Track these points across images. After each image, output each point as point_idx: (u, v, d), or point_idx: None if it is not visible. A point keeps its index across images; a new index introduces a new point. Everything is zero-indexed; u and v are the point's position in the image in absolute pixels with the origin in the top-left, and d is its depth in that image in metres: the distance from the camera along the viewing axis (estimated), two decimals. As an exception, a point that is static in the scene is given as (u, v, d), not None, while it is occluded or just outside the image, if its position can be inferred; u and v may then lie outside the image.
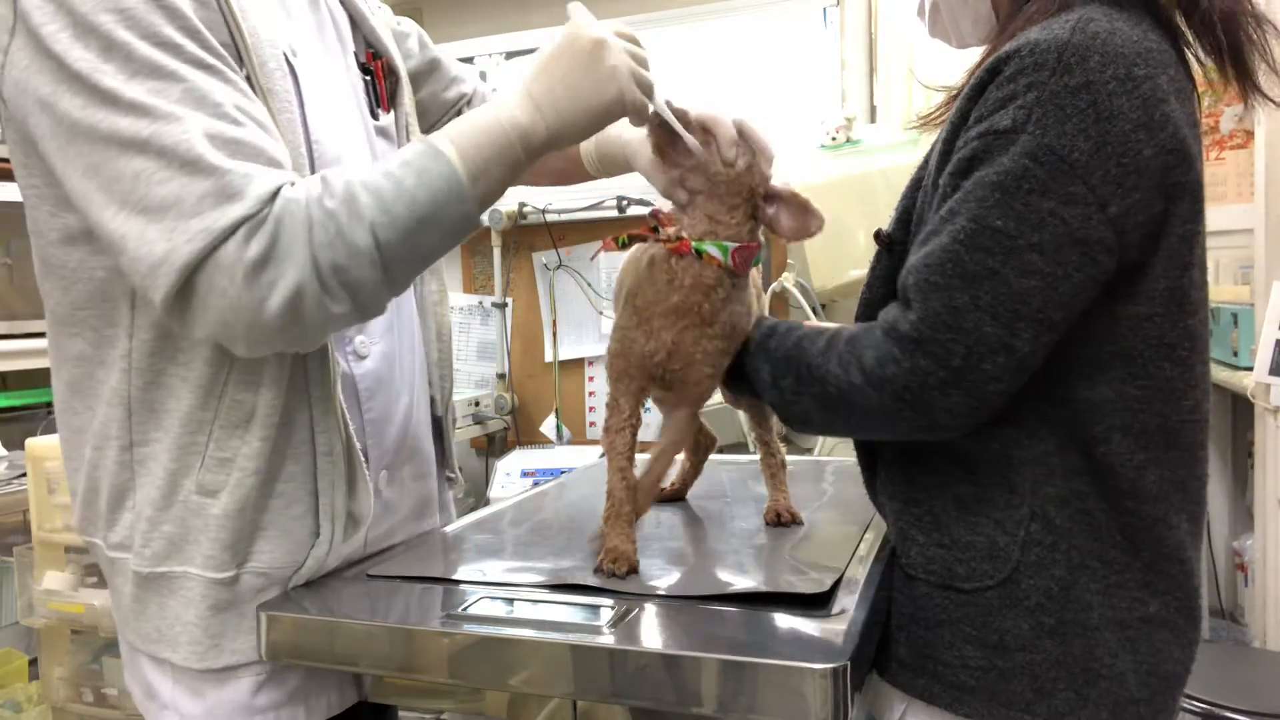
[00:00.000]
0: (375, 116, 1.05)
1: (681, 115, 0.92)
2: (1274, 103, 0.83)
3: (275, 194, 0.77)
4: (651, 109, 0.90)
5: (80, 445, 0.92)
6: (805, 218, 0.96)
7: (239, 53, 0.83)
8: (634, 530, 0.94)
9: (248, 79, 0.83)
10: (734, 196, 0.93)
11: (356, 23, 1.07)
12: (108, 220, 0.77)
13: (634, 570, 0.90)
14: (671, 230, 0.94)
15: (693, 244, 0.91)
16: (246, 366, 0.86)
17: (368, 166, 0.82)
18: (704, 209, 0.93)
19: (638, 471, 0.97)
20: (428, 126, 1.25)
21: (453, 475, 1.20)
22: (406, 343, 1.06)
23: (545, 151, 0.86)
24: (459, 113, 1.25)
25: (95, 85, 0.75)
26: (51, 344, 0.94)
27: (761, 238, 0.97)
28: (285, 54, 0.89)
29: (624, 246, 0.98)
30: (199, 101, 0.76)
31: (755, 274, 1.16)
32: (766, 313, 1.16)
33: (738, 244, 0.92)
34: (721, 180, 0.92)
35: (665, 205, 1.00)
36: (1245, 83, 0.82)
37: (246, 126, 0.79)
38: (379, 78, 1.07)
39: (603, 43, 0.85)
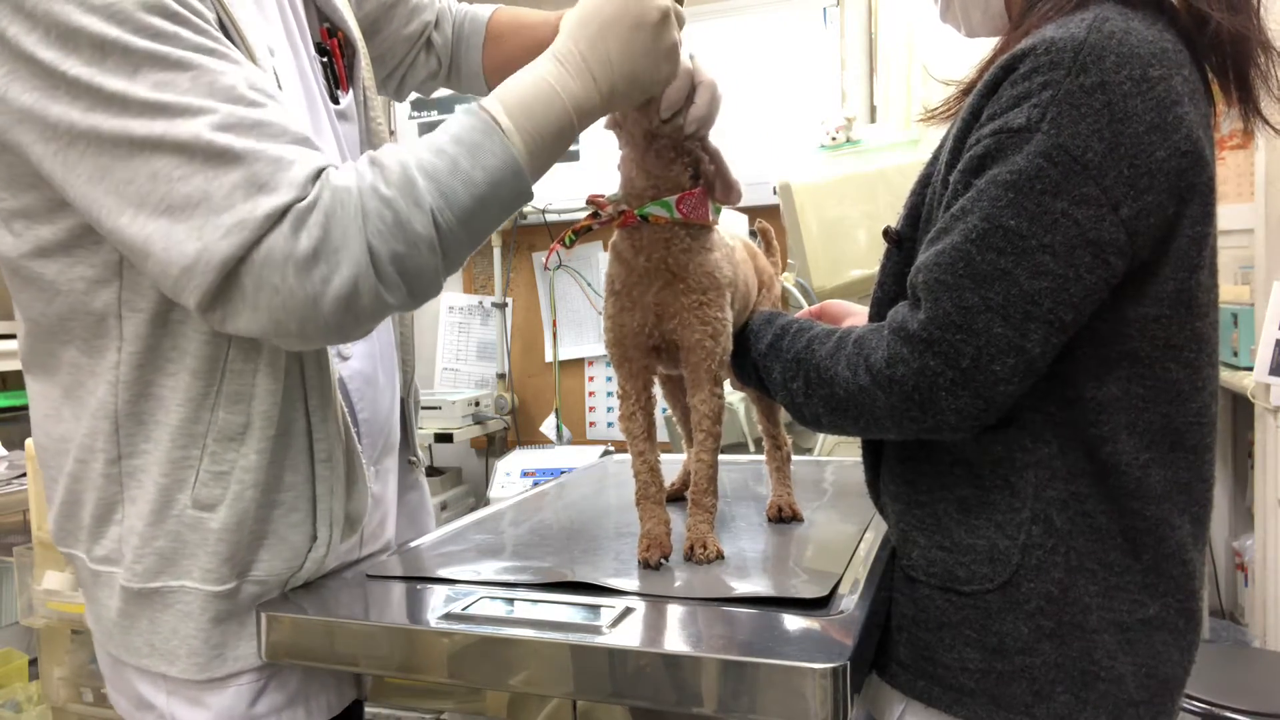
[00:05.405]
0: (336, 100, 1.00)
1: None
2: (1274, 129, 0.83)
3: (316, 178, 0.73)
4: None
5: (61, 455, 0.88)
6: (726, 186, 0.98)
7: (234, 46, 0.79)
8: (665, 509, 0.98)
9: None
10: (670, 150, 0.95)
11: None
12: (125, 225, 0.73)
13: (666, 556, 0.94)
14: (611, 209, 0.96)
15: (635, 212, 0.94)
16: (238, 379, 0.84)
17: (418, 144, 0.78)
18: (641, 164, 0.95)
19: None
20: (387, 73, 1.20)
21: (414, 459, 1.16)
22: (385, 335, 1.04)
23: (594, 120, 0.84)
24: (428, 41, 1.19)
25: (98, 88, 0.70)
26: (36, 351, 0.88)
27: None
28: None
29: (570, 244, 1.00)
30: (209, 88, 0.72)
31: (764, 260, 1.16)
32: (779, 292, 1.18)
33: (678, 194, 0.94)
34: (662, 133, 0.93)
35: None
36: (1247, 106, 0.82)
37: (265, 106, 0.74)
38: (336, 57, 1.02)
39: (668, 16, 0.82)
